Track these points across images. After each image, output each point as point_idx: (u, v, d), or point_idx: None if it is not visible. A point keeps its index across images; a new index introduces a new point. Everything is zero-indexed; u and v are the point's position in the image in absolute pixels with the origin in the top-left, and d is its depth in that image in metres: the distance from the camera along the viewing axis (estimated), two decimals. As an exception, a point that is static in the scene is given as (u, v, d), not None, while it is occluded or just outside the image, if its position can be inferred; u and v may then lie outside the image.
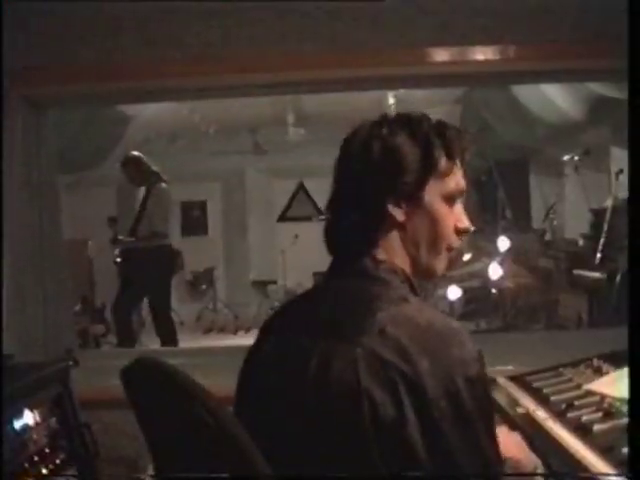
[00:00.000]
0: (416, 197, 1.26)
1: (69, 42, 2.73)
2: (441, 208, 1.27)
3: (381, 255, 1.27)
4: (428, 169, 1.26)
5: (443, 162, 1.27)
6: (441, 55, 2.74)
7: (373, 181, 1.25)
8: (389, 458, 1.06)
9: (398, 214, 1.26)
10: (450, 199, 1.29)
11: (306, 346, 1.18)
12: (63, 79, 2.77)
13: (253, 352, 1.32)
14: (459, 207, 1.32)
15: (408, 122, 1.29)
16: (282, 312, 1.37)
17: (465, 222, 1.32)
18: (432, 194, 1.26)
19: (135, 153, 5.49)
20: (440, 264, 1.32)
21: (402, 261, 1.28)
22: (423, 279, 1.33)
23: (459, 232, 1.31)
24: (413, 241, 1.28)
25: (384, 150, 1.25)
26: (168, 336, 5.38)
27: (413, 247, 1.28)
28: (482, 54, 2.73)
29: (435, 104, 6.00)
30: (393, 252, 1.28)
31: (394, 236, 1.28)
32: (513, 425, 1.52)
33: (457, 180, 1.29)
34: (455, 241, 1.31)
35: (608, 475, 1.17)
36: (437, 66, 2.76)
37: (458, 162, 1.30)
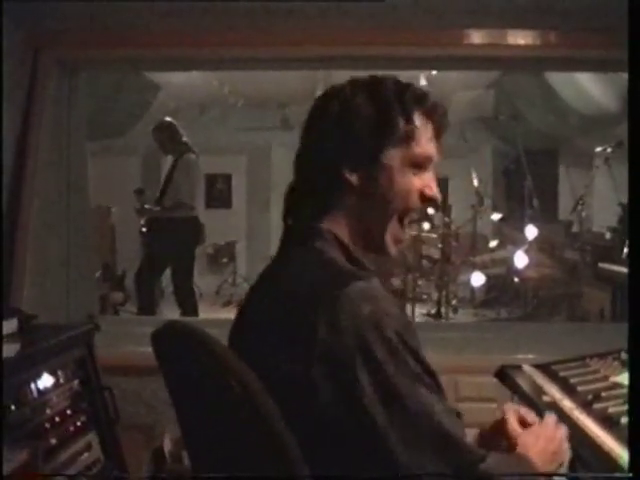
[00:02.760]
0: (372, 162, 1.22)
1: (103, 6, 2.71)
2: (402, 174, 1.23)
3: (327, 224, 1.24)
4: (385, 133, 1.22)
5: (402, 126, 1.22)
6: (478, 37, 2.69)
7: (329, 144, 1.23)
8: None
9: (354, 178, 1.22)
10: (415, 165, 1.24)
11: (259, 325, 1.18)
12: (96, 43, 2.76)
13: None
14: (428, 175, 1.27)
15: (370, 85, 1.25)
16: (251, 287, 1.33)
17: (433, 190, 1.27)
18: (391, 159, 1.22)
19: (169, 119, 5.46)
20: (391, 239, 1.27)
21: (351, 230, 1.25)
22: (376, 253, 1.29)
23: (425, 199, 1.26)
24: (367, 208, 1.24)
25: (341, 113, 1.23)
26: (189, 307, 5.39)
27: (366, 214, 1.25)
28: (521, 38, 2.69)
29: (468, 87, 5.94)
30: (344, 220, 1.25)
31: (349, 202, 1.24)
32: (538, 412, 1.50)
33: (423, 146, 1.24)
34: (415, 207, 1.26)
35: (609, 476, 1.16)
36: (473, 48, 2.72)
37: (424, 127, 1.25)
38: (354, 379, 1.04)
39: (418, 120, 1.24)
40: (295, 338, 1.08)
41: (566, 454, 1.29)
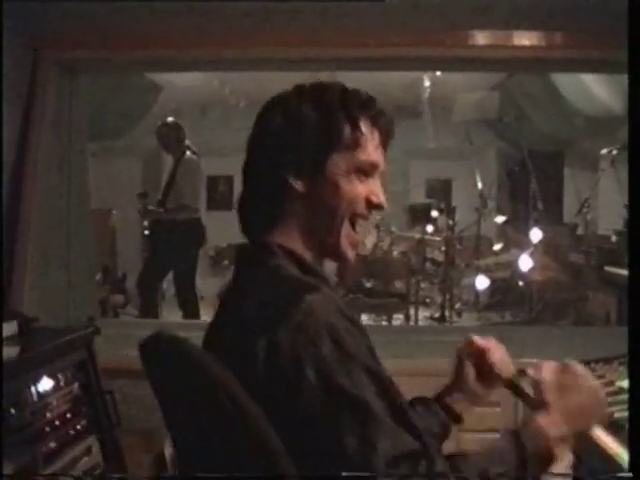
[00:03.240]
0: (318, 169, 1.21)
1: (103, 7, 2.70)
2: (347, 181, 1.22)
3: (278, 237, 1.23)
4: (329, 140, 1.21)
5: (347, 133, 1.22)
6: (483, 38, 2.68)
7: (274, 152, 1.22)
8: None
9: (299, 185, 1.22)
10: (361, 172, 1.23)
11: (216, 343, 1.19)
12: (96, 44, 2.76)
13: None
14: (374, 181, 1.26)
15: (314, 91, 1.25)
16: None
17: (380, 197, 1.26)
18: (337, 166, 1.22)
19: (175, 120, 5.44)
20: (347, 243, 1.26)
21: (303, 239, 1.24)
22: (334, 260, 1.30)
23: (372, 207, 1.25)
24: (315, 215, 1.23)
25: (285, 120, 1.22)
26: (190, 309, 5.36)
27: (315, 221, 1.24)
28: (526, 39, 2.66)
29: (472, 89, 5.91)
30: (294, 229, 1.24)
31: (296, 210, 1.24)
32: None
33: (369, 153, 1.24)
34: (363, 214, 1.25)
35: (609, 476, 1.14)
36: (478, 49, 2.70)
37: (370, 134, 1.24)
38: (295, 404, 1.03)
39: (364, 127, 1.23)
40: (242, 361, 1.08)
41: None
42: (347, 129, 1.22)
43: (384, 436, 0.99)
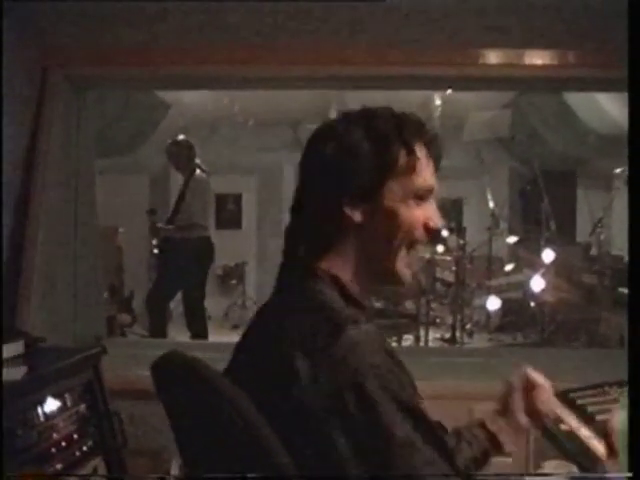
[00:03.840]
0: (374, 197, 1.20)
1: (112, 24, 2.72)
2: (405, 207, 1.21)
3: (326, 263, 1.23)
4: (385, 167, 1.20)
5: (402, 159, 1.21)
6: (494, 57, 2.67)
7: (327, 182, 1.21)
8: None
9: (355, 215, 1.21)
10: (417, 197, 1.23)
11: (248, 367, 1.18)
12: (104, 61, 2.75)
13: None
14: (430, 205, 1.25)
15: (365, 118, 1.24)
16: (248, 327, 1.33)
17: (436, 221, 1.25)
18: (393, 193, 1.21)
19: (186, 138, 5.44)
20: (404, 267, 1.24)
21: (353, 267, 1.23)
22: (390, 285, 1.29)
23: (429, 232, 1.24)
24: (372, 242, 1.22)
25: (337, 149, 1.21)
26: (199, 330, 5.32)
27: (371, 249, 1.23)
28: (538, 58, 2.65)
29: (484, 107, 5.89)
30: (346, 257, 1.23)
31: (350, 238, 1.23)
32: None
33: (424, 177, 1.23)
34: (422, 240, 1.25)
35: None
36: (490, 68, 2.70)
37: (424, 158, 1.23)
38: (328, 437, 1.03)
39: (419, 151, 1.23)
40: (277, 385, 1.08)
41: None
42: (403, 155, 1.20)
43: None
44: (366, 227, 1.21)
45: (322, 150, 1.22)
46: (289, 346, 1.09)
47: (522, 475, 2.36)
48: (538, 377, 1.44)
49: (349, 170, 1.19)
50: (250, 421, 1.03)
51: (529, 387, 1.44)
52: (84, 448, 2.11)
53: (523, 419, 1.43)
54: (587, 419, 1.56)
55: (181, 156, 5.37)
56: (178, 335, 5.72)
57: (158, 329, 5.28)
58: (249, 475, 1.03)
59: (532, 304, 5.99)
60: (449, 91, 5.23)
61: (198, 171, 5.35)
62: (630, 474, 1.07)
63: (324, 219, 1.23)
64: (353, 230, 1.22)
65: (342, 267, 1.23)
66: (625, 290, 5.03)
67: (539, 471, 1.90)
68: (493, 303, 5.92)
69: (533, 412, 1.43)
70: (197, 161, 5.38)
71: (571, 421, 1.52)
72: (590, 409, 1.61)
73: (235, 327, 7.67)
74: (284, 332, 1.12)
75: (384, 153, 1.19)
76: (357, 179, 1.19)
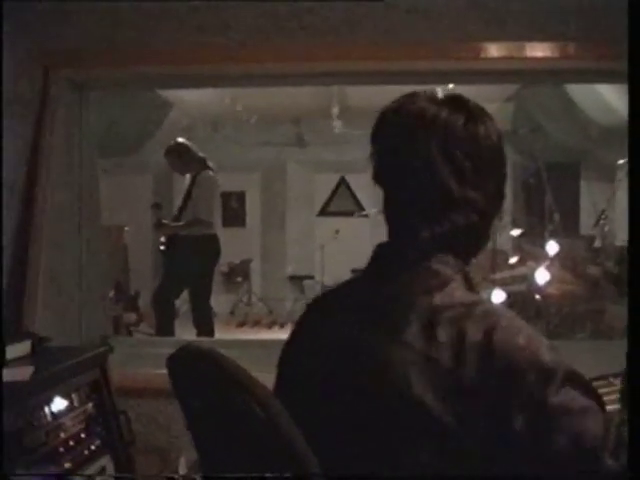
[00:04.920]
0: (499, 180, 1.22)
1: (112, 24, 2.73)
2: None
3: (445, 244, 1.16)
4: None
5: None
6: (495, 50, 2.67)
7: (456, 168, 1.15)
8: (439, 463, 1.00)
9: (479, 197, 1.16)
10: None
11: (358, 339, 1.12)
12: (106, 61, 2.77)
13: (297, 338, 1.27)
14: None
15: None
16: (331, 300, 1.28)
17: None
18: None
19: (181, 140, 5.42)
20: None
21: (466, 249, 1.21)
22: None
23: None
24: (488, 224, 1.22)
25: (460, 142, 1.15)
26: (205, 327, 5.32)
27: (487, 230, 1.23)
28: (539, 50, 2.65)
29: (486, 101, 5.86)
30: (462, 239, 1.19)
31: (472, 220, 1.17)
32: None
33: None
34: None
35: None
36: (491, 61, 2.69)
37: None
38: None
39: None
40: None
41: None
42: None
43: None
44: (487, 209, 1.21)
45: (442, 137, 1.17)
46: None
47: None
48: None
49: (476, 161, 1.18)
50: (271, 413, 1.01)
51: None
52: (92, 447, 2.12)
53: None
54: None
55: (175, 160, 5.38)
56: (184, 333, 5.74)
57: (165, 327, 5.26)
58: (267, 475, 1.01)
59: (537, 296, 5.98)
60: (451, 85, 5.24)
61: (205, 168, 5.35)
62: (630, 474, 1.05)
63: (444, 200, 1.17)
64: (474, 213, 1.19)
65: (457, 250, 1.20)
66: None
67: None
68: (498, 296, 5.90)
69: None
70: (202, 156, 5.37)
71: None
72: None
73: (241, 324, 7.70)
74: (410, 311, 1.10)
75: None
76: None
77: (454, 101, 1.18)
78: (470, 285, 1.16)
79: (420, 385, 1.00)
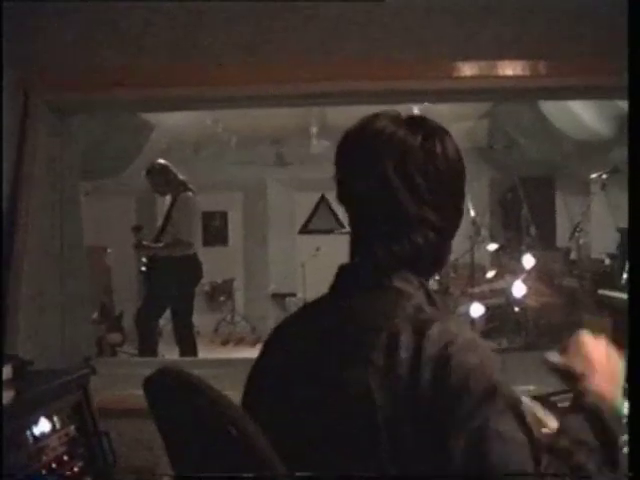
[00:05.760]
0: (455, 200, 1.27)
1: (92, 48, 2.73)
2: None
3: (404, 264, 1.18)
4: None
5: None
6: (467, 69, 2.71)
7: (412, 189, 1.18)
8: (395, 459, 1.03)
9: (435, 218, 1.20)
10: None
11: (321, 361, 1.15)
12: (86, 85, 2.77)
13: (266, 357, 1.28)
14: None
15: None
16: (296, 321, 1.30)
17: None
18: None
19: (161, 161, 5.46)
20: None
21: (427, 266, 1.24)
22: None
23: None
24: (445, 241, 1.25)
25: (422, 162, 1.19)
26: (188, 346, 5.34)
27: (446, 247, 1.26)
28: (510, 69, 2.70)
29: (461, 118, 5.96)
30: (422, 257, 1.21)
31: (430, 239, 1.21)
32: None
33: None
34: None
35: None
36: (463, 80, 2.72)
37: None
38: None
39: None
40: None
41: None
42: None
43: None
44: (444, 228, 1.24)
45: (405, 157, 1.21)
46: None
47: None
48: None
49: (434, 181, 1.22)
50: (246, 432, 1.02)
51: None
52: (75, 469, 2.11)
53: None
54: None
55: (156, 181, 5.41)
56: (168, 352, 5.75)
57: (147, 347, 5.28)
58: (245, 476, 1.01)
59: (516, 309, 6.04)
60: (426, 103, 5.32)
61: (185, 190, 5.39)
62: (630, 474, 1.07)
63: (403, 221, 1.21)
64: (432, 231, 1.22)
65: (417, 267, 1.22)
66: (605, 292, 5.11)
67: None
68: (477, 310, 5.96)
69: None
70: (182, 179, 5.42)
71: (554, 425, 1.53)
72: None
73: (225, 343, 7.71)
74: (368, 326, 1.12)
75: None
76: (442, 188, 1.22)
77: (413, 121, 1.21)
78: (432, 301, 1.18)
79: (381, 394, 1.03)
